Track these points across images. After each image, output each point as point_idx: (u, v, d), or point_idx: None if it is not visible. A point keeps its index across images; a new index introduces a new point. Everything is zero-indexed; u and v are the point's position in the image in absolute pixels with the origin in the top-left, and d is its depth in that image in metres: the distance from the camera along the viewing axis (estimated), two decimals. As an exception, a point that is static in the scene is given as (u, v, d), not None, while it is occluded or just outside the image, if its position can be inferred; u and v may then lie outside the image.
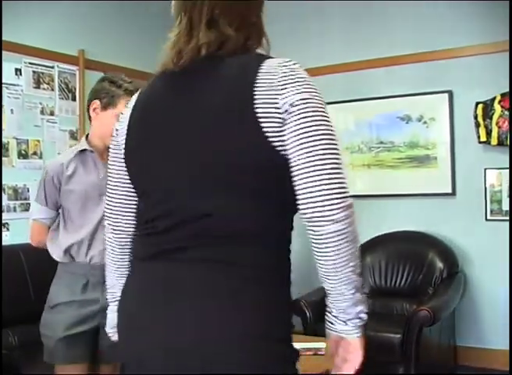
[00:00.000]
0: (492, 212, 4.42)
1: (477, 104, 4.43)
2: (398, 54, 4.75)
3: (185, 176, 1.37)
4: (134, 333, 1.42)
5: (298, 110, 1.28)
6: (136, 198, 1.55)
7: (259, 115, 1.28)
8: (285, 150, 1.29)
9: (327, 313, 1.43)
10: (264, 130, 1.28)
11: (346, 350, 1.43)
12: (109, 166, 1.59)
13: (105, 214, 1.61)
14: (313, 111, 1.29)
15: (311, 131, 1.28)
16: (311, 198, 1.27)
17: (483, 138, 4.38)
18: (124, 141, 1.51)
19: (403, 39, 4.75)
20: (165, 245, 1.38)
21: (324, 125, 1.29)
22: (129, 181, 1.54)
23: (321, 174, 1.26)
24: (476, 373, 4.31)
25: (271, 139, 1.29)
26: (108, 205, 1.60)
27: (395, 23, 4.80)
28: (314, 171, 1.26)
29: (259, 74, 1.31)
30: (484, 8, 4.42)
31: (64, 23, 4.35)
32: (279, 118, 1.29)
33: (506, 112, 4.29)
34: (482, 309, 4.50)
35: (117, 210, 1.58)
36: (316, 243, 1.30)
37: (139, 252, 1.50)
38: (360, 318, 1.39)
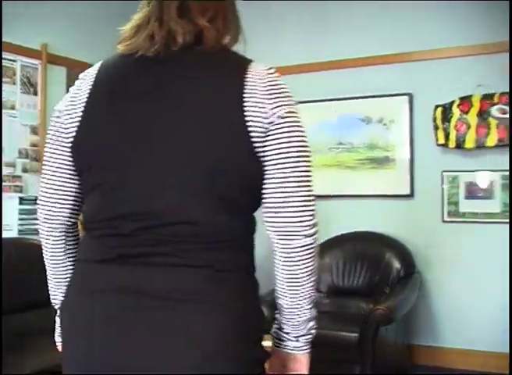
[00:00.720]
0: (449, 213, 4.48)
1: (436, 107, 4.50)
2: (360, 56, 4.78)
3: (163, 176, 1.27)
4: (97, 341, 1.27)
5: (285, 123, 1.29)
6: (77, 189, 1.40)
7: (247, 119, 1.25)
8: (264, 158, 1.28)
9: (276, 330, 1.41)
10: (252, 134, 1.26)
11: (294, 367, 1.40)
12: (48, 149, 1.41)
13: (40, 203, 1.43)
14: (297, 126, 1.31)
15: (294, 146, 1.29)
16: (285, 212, 1.27)
17: (441, 141, 4.44)
18: (77, 124, 1.34)
19: (366, 41, 4.78)
20: (131, 249, 1.27)
21: (304, 140, 1.32)
22: (71, 169, 1.38)
23: (297, 192, 1.27)
24: (432, 372, 4.36)
25: (256, 145, 1.26)
26: (44, 193, 1.42)
27: (358, 25, 4.83)
28: (290, 188, 1.27)
29: (247, 78, 1.29)
30: (446, 11, 4.49)
31: (27, 16, 4.26)
32: (264, 127, 1.27)
33: (465, 116, 4.36)
34: (438, 309, 4.55)
35: (55, 199, 1.41)
36: (282, 256, 1.31)
37: (94, 253, 1.33)
38: (311, 334, 1.39)
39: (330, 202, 4.87)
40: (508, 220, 4.25)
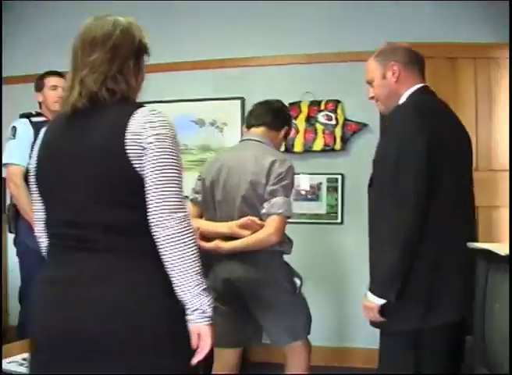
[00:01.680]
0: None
1: (267, 111, 4.64)
2: (195, 59, 4.82)
3: (78, 193, 1.80)
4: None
5: (155, 146, 1.75)
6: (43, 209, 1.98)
7: (127, 147, 1.74)
8: (142, 171, 1.75)
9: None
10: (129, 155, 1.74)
11: (200, 337, 1.78)
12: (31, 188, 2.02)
13: (37, 225, 2.05)
14: (166, 148, 1.76)
15: (162, 163, 1.76)
16: (157, 208, 1.73)
17: (272, 144, 4.60)
18: (35, 168, 1.95)
19: (200, 44, 4.83)
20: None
21: (172, 158, 1.78)
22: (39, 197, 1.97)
23: (166, 192, 1.74)
24: (267, 370, 4.49)
25: (133, 162, 1.74)
26: (37, 217, 2.03)
27: (192, 28, 4.87)
28: (161, 190, 1.74)
29: (133, 117, 1.77)
30: (278, 21, 4.65)
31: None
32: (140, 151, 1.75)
33: (294, 121, 4.54)
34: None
35: (41, 220, 2.01)
36: (158, 243, 1.75)
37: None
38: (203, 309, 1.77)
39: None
40: (333, 221, 4.50)
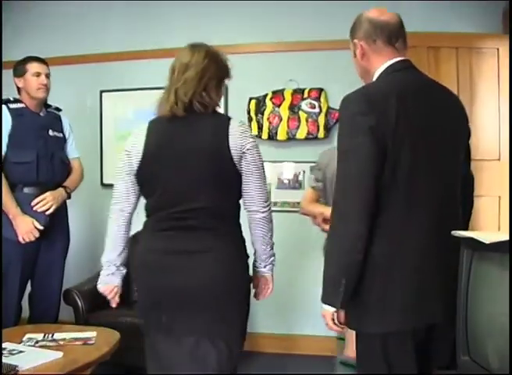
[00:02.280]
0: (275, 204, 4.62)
1: (250, 99, 4.63)
2: (177, 46, 4.72)
3: (186, 184, 2.38)
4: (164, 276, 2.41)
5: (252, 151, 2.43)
6: (136, 195, 2.53)
7: (232, 151, 2.37)
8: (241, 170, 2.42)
9: (254, 262, 2.62)
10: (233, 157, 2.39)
11: (264, 283, 2.66)
12: (120, 175, 2.51)
13: (115, 202, 2.54)
14: (258, 154, 2.46)
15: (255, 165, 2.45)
16: (258, 198, 2.44)
17: (255, 132, 4.58)
18: (140, 160, 2.44)
19: (183, 31, 4.74)
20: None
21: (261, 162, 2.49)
22: (134, 183, 2.50)
23: (262, 187, 2.46)
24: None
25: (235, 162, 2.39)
26: (118, 196, 2.52)
27: (174, 16, 4.86)
28: (259, 185, 2.45)
29: (230, 129, 2.39)
30: (259, 8, 4.63)
31: None
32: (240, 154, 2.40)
33: (277, 109, 4.54)
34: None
35: (124, 202, 2.51)
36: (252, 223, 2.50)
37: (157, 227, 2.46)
38: (272, 264, 2.63)
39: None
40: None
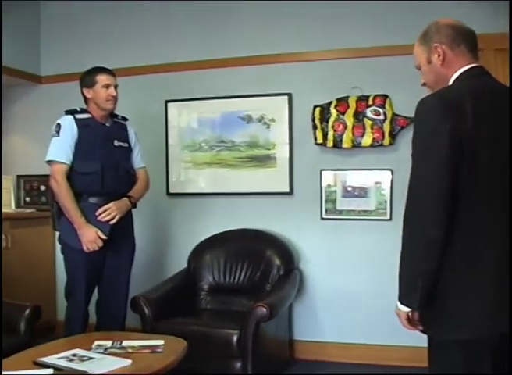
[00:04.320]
0: (327, 211, 4.60)
1: (314, 107, 4.60)
2: (242, 55, 4.81)
3: None
4: None
5: None
6: None
7: None
8: None
9: None
10: None
11: None
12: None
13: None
14: None
15: None
16: None
17: (320, 140, 4.55)
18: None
19: (248, 40, 4.82)
20: None
21: None
22: None
23: None
24: (311, 366, 4.45)
25: None
26: None
27: (242, 24, 4.86)
28: None
29: None
30: (324, 15, 4.60)
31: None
32: None
33: (342, 116, 4.49)
34: (317, 304, 4.66)
35: None
36: None
37: None
38: None
39: (212, 200, 4.90)
40: (382, 218, 4.44)
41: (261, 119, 4.80)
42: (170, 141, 5.07)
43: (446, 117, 1.94)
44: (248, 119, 4.83)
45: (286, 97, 4.73)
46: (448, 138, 1.92)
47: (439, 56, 2.16)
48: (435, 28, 2.19)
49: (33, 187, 5.45)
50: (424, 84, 2.29)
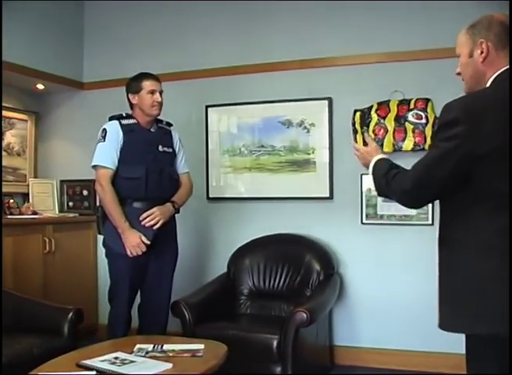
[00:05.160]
0: (367, 216, 4.57)
1: (355, 111, 4.58)
2: (282, 60, 4.82)
3: None
4: None
5: None
6: None
7: None
8: None
9: None
10: None
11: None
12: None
13: None
14: None
15: None
16: None
17: (360, 145, 4.51)
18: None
19: (287, 45, 4.82)
20: None
21: None
22: None
23: None
24: (351, 371, 4.43)
25: None
26: None
27: (279, 29, 4.87)
28: None
29: None
30: (365, 19, 4.58)
31: None
32: None
33: (382, 120, 4.46)
34: (357, 310, 4.63)
35: None
36: None
37: None
38: None
39: (251, 204, 4.91)
40: (423, 222, 4.39)
41: (301, 124, 4.80)
42: (210, 146, 5.09)
43: (460, 124, 1.96)
44: (288, 124, 4.83)
45: (326, 101, 4.71)
46: (458, 152, 1.97)
47: (481, 53, 2.09)
48: (487, 22, 2.10)
49: (76, 192, 5.53)
50: (459, 74, 2.23)
